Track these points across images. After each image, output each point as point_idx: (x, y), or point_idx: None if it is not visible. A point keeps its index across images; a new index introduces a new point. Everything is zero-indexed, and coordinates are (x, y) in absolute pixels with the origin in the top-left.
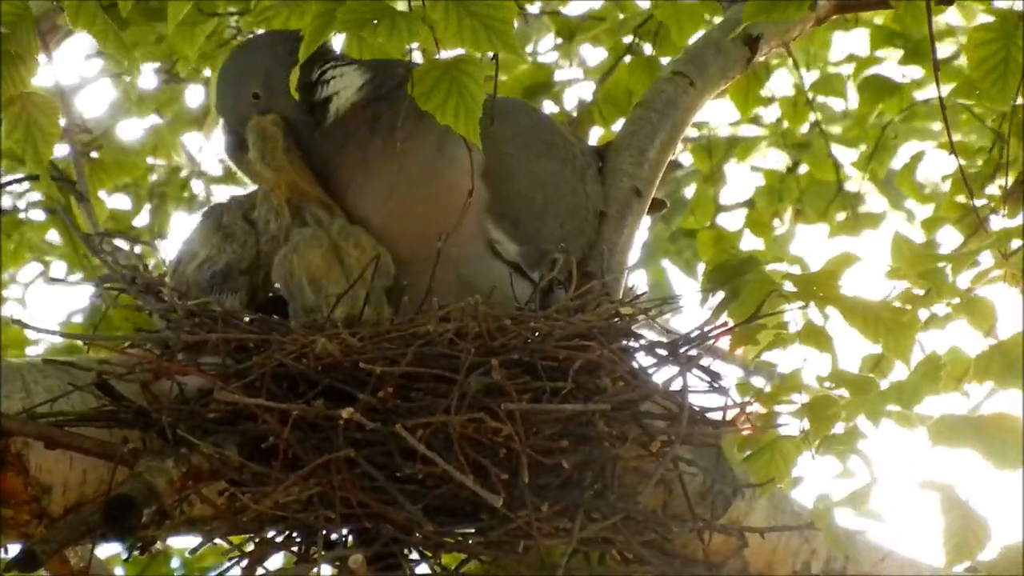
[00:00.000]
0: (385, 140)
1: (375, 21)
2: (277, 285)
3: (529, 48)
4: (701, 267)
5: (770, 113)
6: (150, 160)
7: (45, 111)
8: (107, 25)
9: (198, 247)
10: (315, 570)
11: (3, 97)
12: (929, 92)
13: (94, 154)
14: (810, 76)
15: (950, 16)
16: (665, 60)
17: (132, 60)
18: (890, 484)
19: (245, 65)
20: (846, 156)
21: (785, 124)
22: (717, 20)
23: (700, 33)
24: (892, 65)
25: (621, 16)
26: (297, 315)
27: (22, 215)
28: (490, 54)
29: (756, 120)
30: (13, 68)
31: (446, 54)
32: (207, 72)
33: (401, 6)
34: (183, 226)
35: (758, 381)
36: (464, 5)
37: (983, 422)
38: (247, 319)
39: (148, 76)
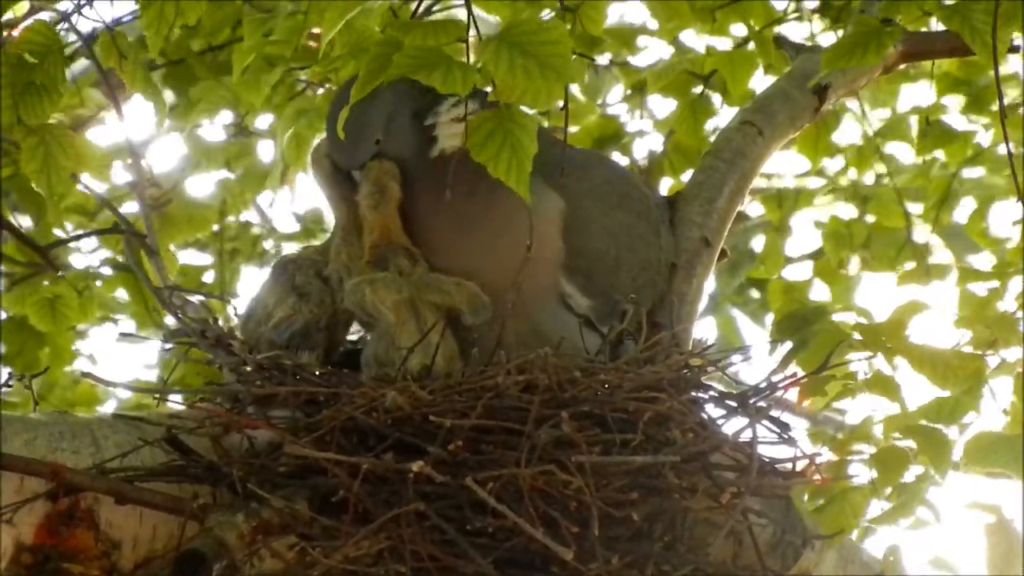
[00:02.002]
0: (478, 193)
1: (430, 67)
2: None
3: (599, 100)
4: (769, 317)
5: (836, 164)
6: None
7: (62, 143)
8: (136, 70)
9: (272, 307)
10: None
11: (24, 128)
12: (988, 136)
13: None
14: (877, 124)
15: (1015, 64)
16: (727, 110)
17: (163, 111)
18: (957, 528)
19: (370, 111)
20: (913, 208)
21: (852, 173)
22: (773, 66)
23: (763, 81)
24: (955, 112)
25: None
26: (369, 363)
27: (90, 268)
28: (560, 104)
29: (821, 172)
30: (36, 99)
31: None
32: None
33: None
34: (253, 281)
35: (827, 431)
36: (519, 46)
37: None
38: (317, 372)
39: (217, 129)
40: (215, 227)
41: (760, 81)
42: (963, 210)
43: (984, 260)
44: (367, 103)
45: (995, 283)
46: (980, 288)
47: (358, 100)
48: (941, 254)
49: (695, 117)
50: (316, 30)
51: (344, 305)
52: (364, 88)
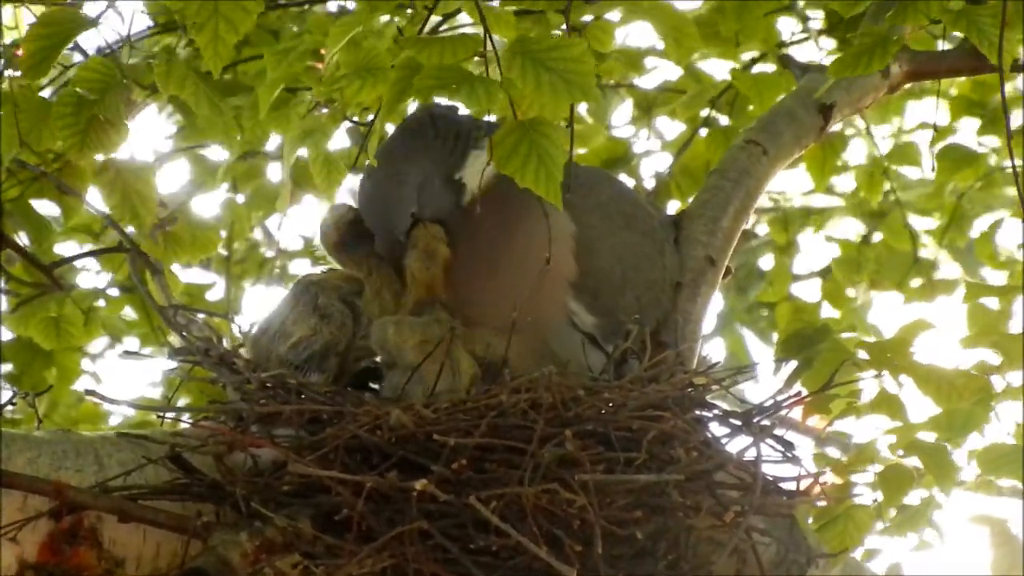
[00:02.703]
0: (500, 235)
1: (453, 86)
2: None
3: (605, 121)
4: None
5: (844, 182)
6: (224, 234)
7: (139, 176)
8: (199, 88)
9: (291, 326)
10: None
11: (94, 163)
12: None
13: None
14: (884, 144)
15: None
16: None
17: (227, 124)
18: (961, 542)
19: (401, 185)
20: (921, 224)
21: (861, 194)
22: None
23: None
24: (969, 133)
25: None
26: (384, 391)
27: (94, 287)
28: (563, 124)
29: (830, 189)
30: (103, 133)
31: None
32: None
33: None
34: (259, 299)
35: (832, 451)
36: (541, 62)
37: None
38: (322, 391)
39: (221, 150)
40: (224, 252)
41: None
42: (976, 227)
43: (994, 275)
44: (397, 181)
45: (1005, 300)
46: (991, 302)
47: (388, 178)
48: (948, 268)
49: (728, 144)
50: (321, 51)
51: (367, 341)
52: (389, 113)
